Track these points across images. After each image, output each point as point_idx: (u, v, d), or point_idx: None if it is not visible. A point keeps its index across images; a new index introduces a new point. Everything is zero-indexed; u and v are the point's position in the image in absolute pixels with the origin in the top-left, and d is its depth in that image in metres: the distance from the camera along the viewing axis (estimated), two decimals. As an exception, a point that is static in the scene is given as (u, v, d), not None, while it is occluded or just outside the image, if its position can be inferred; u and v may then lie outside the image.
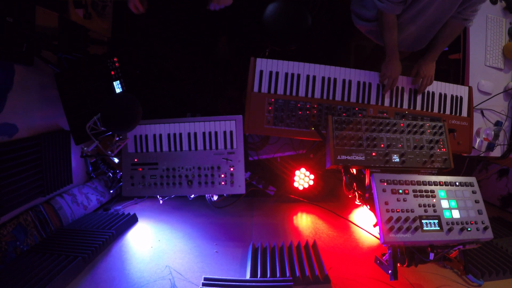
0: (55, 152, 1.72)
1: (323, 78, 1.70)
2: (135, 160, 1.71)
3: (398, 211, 1.26)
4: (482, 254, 1.58)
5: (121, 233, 1.78)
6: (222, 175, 1.66)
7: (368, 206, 1.44)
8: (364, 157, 1.41)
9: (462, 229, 1.26)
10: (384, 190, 1.30)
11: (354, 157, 1.41)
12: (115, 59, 1.78)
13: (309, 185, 2.21)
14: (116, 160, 1.77)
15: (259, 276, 1.37)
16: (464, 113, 1.80)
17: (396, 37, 1.61)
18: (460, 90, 1.81)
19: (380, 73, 1.72)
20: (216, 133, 1.69)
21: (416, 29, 1.62)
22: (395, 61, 1.66)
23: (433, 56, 1.69)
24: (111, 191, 2.21)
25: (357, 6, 1.75)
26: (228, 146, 1.68)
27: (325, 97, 1.69)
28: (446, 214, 1.29)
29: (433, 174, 1.46)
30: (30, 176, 1.57)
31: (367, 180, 1.41)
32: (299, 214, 2.14)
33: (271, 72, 1.68)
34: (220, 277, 1.37)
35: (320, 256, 1.53)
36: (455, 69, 2.10)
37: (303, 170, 2.20)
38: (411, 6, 1.50)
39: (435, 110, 1.77)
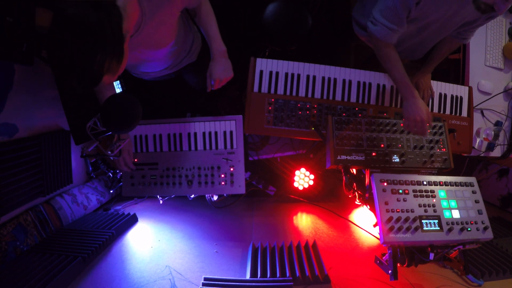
0: (55, 152, 1.72)
1: (323, 78, 1.70)
2: (135, 160, 1.71)
3: (398, 211, 1.26)
4: (482, 254, 1.58)
5: (121, 233, 1.78)
6: (222, 175, 1.66)
7: (368, 206, 1.44)
8: (364, 157, 1.41)
9: (462, 229, 1.26)
10: (384, 190, 1.30)
11: (354, 157, 1.41)
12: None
13: (309, 185, 2.21)
14: (116, 160, 1.77)
15: (259, 276, 1.37)
16: (464, 113, 1.80)
17: (403, 68, 1.40)
18: (460, 90, 1.81)
19: (404, 121, 1.45)
20: (216, 133, 1.69)
21: (417, 41, 1.59)
22: (416, 101, 1.37)
23: (430, 69, 1.70)
24: (111, 191, 2.21)
25: (357, 13, 1.73)
26: (228, 146, 1.68)
27: (325, 97, 1.69)
28: (446, 214, 1.29)
29: (433, 174, 1.46)
30: (30, 176, 1.57)
31: (367, 180, 1.41)
32: (299, 214, 2.14)
33: (271, 72, 1.68)
34: (220, 277, 1.37)
35: (320, 256, 1.53)
36: (455, 69, 2.10)
37: (303, 170, 2.20)
38: (412, 23, 1.42)
39: (435, 110, 1.77)
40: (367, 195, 1.41)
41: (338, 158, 1.40)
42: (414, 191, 1.32)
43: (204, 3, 1.41)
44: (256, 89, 1.66)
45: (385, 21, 1.35)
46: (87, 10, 0.89)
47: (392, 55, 1.42)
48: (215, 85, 1.49)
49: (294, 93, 1.68)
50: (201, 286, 1.31)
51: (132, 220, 1.91)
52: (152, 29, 1.23)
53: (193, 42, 1.58)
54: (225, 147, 1.68)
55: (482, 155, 1.90)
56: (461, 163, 2.24)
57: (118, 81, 1.88)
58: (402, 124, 1.49)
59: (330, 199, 2.31)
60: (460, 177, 1.39)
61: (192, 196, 1.78)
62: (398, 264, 1.27)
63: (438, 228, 1.26)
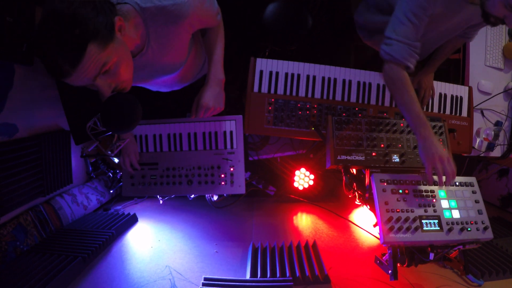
0: (55, 152, 1.72)
1: (323, 78, 1.70)
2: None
3: (398, 211, 1.26)
4: (482, 254, 1.58)
5: (121, 233, 1.78)
6: (222, 175, 1.66)
7: (368, 206, 1.44)
8: (364, 157, 1.41)
9: (462, 229, 1.26)
10: (384, 190, 1.30)
11: (354, 157, 1.41)
12: (115, 59, 1.77)
13: (309, 185, 2.21)
14: (116, 160, 1.77)
15: (259, 276, 1.37)
16: (464, 113, 1.80)
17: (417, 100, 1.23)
18: (460, 90, 1.81)
19: (426, 165, 1.26)
20: (216, 133, 1.69)
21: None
22: (434, 139, 1.22)
23: (433, 68, 1.70)
24: (111, 191, 2.21)
25: (359, 15, 1.73)
26: (228, 146, 1.68)
27: (325, 97, 1.69)
28: (446, 214, 1.29)
29: (433, 174, 1.45)
30: (30, 176, 1.57)
31: (367, 180, 1.41)
32: (299, 214, 2.14)
33: (271, 72, 1.68)
34: (220, 277, 1.37)
35: (320, 256, 1.53)
36: (455, 69, 2.10)
37: (303, 170, 2.20)
38: None
39: (435, 110, 1.77)
40: (367, 195, 1.41)
41: (338, 158, 1.40)
42: (414, 191, 1.32)
43: (219, 24, 1.36)
44: (256, 89, 1.66)
45: (401, 37, 1.24)
46: None
47: (407, 80, 1.25)
48: (202, 112, 1.37)
49: (294, 93, 1.68)
50: (201, 286, 1.31)
51: (132, 220, 1.91)
52: (158, 53, 1.18)
53: (206, 58, 1.53)
54: (225, 147, 1.68)
55: (482, 155, 1.90)
56: (461, 163, 2.24)
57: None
58: (425, 172, 1.28)
59: (330, 199, 2.31)
60: (460, 177, 1.39)
61: (192, 196, 1.78)
62: (398, 264, 1.27)
63: (438, 228, 1.26)
